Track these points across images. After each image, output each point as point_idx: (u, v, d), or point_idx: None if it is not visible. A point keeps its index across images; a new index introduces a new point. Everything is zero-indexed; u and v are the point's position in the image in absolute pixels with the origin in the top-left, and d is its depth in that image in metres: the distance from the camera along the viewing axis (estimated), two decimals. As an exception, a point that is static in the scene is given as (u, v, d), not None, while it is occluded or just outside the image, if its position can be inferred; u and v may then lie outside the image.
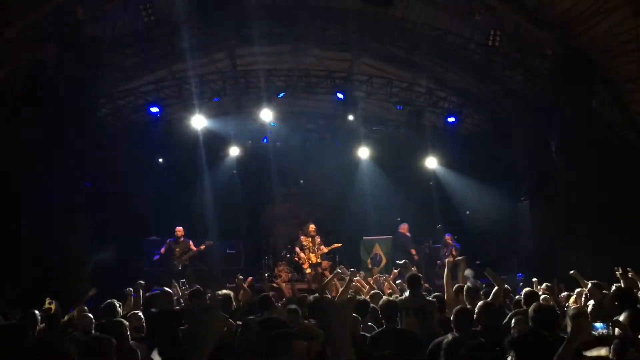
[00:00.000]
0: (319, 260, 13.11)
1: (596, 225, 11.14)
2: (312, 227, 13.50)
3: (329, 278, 8.77)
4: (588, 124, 11.22)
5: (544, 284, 7.72)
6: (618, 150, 11.26)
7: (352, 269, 11.52)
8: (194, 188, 14.71)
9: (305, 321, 5.04)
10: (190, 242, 12.58)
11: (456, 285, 7.45)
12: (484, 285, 8.37)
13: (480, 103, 14.35)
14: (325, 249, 13.21)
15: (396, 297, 6.56)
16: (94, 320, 5.68)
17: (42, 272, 9.55)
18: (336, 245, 13.42)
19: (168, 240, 12.59)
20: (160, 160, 14.66)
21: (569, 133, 11.68)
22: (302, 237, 13.52)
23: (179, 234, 12.60)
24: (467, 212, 14.15)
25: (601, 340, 3.55)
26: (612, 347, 3.41)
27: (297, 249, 13.32)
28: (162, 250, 12.55)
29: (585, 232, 11.30)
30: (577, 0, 10.33)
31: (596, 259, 10.23)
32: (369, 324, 6.06)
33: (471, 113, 14.67)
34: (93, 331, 5.36)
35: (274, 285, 11.41)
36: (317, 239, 13.37)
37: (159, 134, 13.93)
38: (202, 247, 12.54)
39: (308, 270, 12.96)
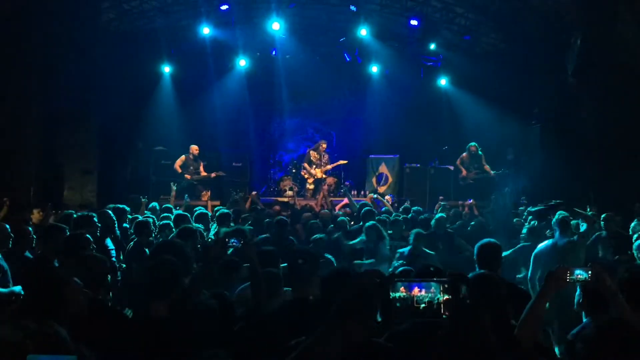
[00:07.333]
0: (324, 176, 13.20)
1: (607, 156, 10.95)
2: (324, 144, 13.56)
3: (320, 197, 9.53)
4: (609, 47, 10.74)
5: None
6: (638, 78, 10.79)
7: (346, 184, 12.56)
8: (202, 98, 14.53)
9: None
10: (202, 165, 12.64)
11: None
12: None
13: (497, 21, 13.74)
14: (329, 166, 13.27)
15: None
16: None
17: (47, 179, 9.68)
18: (341, 162, 13.44)
19: (183, 156, 12.57)
20: (167, 69, 14.37)
21: (588, 56, 11.23)
22: (311, 152, 13.55)
23: (195, 152, 12.62)
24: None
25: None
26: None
27: (306, 164, 13.38)
28: (177, 165, 12.48)
29: (594, 162, 11.15)
30: None
31: (602, 190, 10.15)
32: None
33: (488, 31, 14.10)
34: None
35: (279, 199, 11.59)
36: (326, 157, 13.44)
37: (165, 41, 13.56)
38: (213, 175, 12.53)
39: (310, 187, 13.10)
